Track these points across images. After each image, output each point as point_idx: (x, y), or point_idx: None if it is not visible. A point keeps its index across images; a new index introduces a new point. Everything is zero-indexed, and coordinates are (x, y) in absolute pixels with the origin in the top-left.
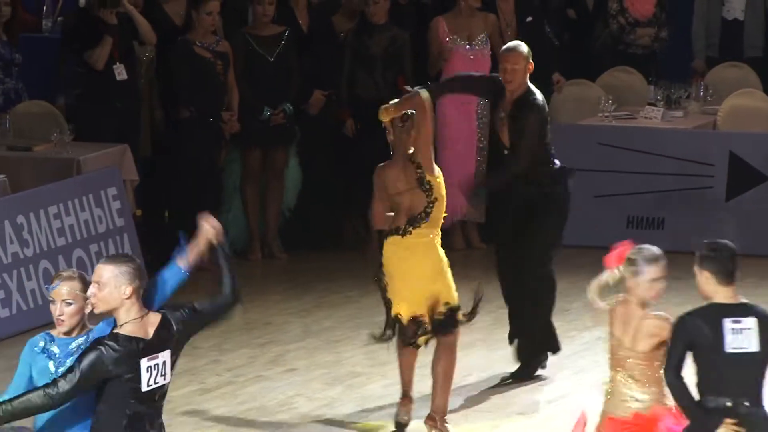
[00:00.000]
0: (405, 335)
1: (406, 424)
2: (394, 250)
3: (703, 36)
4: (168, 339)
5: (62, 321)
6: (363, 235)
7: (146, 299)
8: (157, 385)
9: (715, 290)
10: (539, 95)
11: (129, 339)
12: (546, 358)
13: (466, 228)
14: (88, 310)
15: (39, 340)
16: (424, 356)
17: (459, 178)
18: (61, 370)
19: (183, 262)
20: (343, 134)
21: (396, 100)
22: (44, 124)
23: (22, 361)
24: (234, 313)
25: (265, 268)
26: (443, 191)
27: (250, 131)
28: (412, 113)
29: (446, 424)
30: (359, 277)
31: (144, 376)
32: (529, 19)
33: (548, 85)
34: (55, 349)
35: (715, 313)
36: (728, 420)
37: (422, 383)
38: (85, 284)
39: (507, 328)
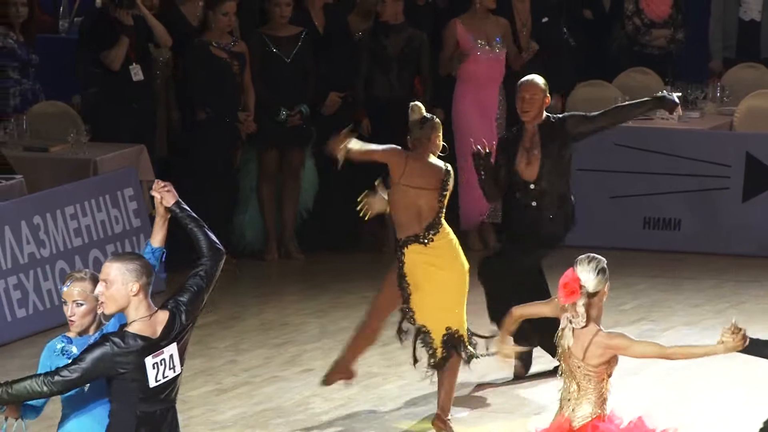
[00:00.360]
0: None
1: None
2: (419, 259)
3: (720, 37)
4: (173, 333)
5: (74, 321)
6: (378, 236)
7: None
8: (166, 379)
9: None
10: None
11: (135, 337)
12: None
13: (483, 229)
14: (100, 311)
15: (57, 343)
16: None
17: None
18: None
19: (155, 240)
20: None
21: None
22: (61, 124)
23: (42, 365)
24: (222, 265)
25: (282, 268)
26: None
27: (267, 132)
28: (432, 117)
29: (450, 424)
30: (375, 277)
31: (150, 373)
32: (545, 19)
33: (564, 86)
34: (74, 349)
35: None
36: None
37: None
38: (97, 285)
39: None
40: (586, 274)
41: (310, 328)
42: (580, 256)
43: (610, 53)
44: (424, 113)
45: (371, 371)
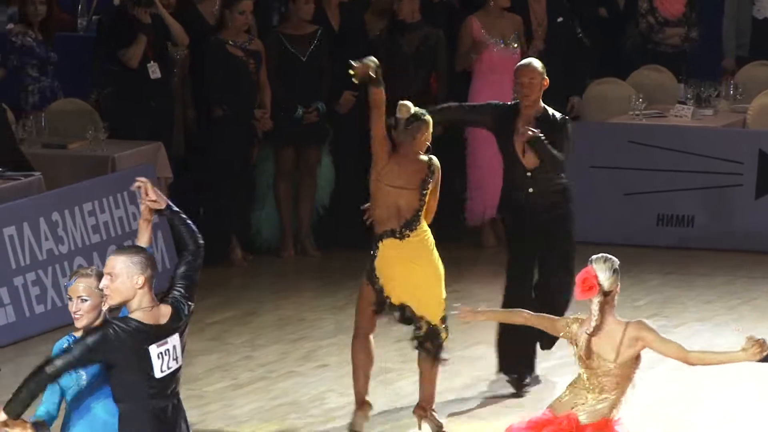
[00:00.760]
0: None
1: None
2: (393, 254)
3: (733, 35)
4: (177, 324)
5: (78, 317)
6: None
7: None
8: (170, 370)
9: None
10: (557, 113)
11: (139, 324)
12: None
13: (497, 225)
14: (105, 307)
15: (64, 342)
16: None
17: (493, 179)
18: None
19: (141, 242)
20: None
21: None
22: (79, 122)
23: None
24: (203, 255)
25: (298, 265)
26: (426, 205)
27: (283, 130)
28: (420, 117)
29: (434, 413)
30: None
31: (156, 362)
32: (560, 19)
33: (578, 84)
34: None
35: None
36: None
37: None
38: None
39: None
40: (603, 272)
41: (325, 324)
42: (595, 256)
43: (624, 51)
44: (413, 112)
45: (386, 367)
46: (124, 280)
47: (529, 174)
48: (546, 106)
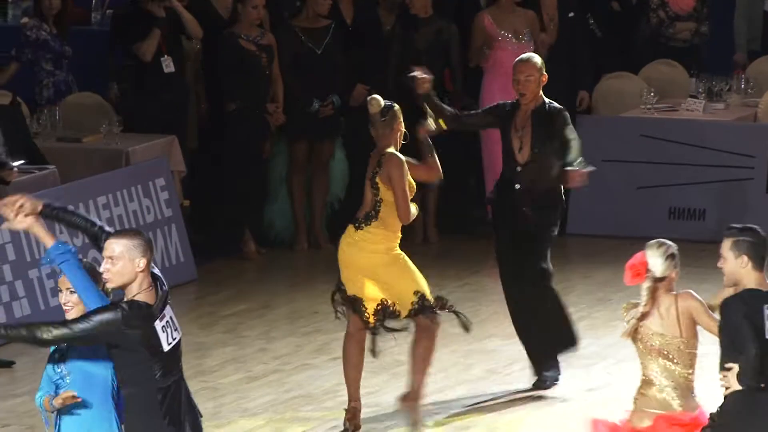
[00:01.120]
0: (358, 312)
1: None
2: (346, 241)
3: (745, 30)
4: (164, 297)
5: (68, 309)
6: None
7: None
8: (175, 341)
9: (748, 275)
10: (555, 104)
11: (141, 304)
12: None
13: None
14: (108, 287)
15: None
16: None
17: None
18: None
19: (49, 242)
20: None
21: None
22: (94, 115)
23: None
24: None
25: (311, 258)
26: (392, 200)
27: (297, 123)
28: (392, 106)
29: (418, 405)
30: None
31: (162, 336)
32: (572, 14)
33: (588, 79)
34: None
35: (755, 300)
36: None
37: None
38: (90, 273)
39: None
40: (655, 258)
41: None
42: (651, 241)
43: (636, 45)
44: (383, 104)
45: (399, 359)
46: (126, 263)
47: (519, 169)
48: (545, 99)
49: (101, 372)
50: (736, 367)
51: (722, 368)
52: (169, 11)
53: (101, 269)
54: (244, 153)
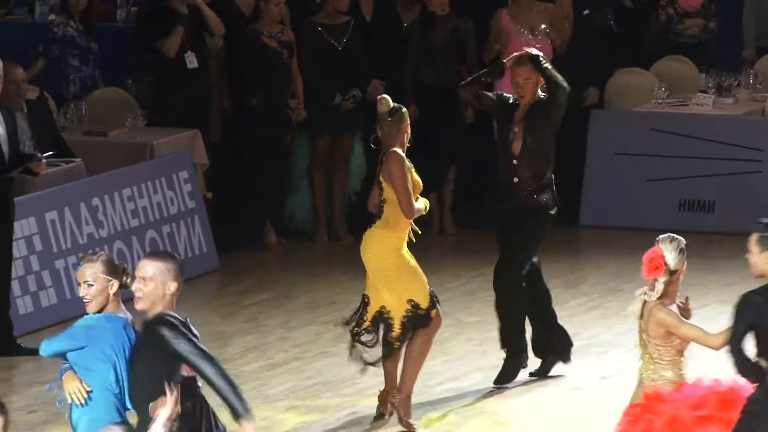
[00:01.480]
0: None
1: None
2: (364, 239)
3: (753, 26)
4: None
5: (87, 302)
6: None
7: None
8: None
9: None
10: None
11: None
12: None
13: None
14: (112, 291)
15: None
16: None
17: None
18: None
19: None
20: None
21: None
22: (119, 110)
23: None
24: None
25: (331, 249)
26: (396, 198)
27: (319, 118)
28: (400, 107)
29: (406, 401)
30: (420, 257)
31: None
32: (587, 11)
33: (598, 75)
34: None
35: None
36: None
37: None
38: (108, 266)
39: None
40: (669, 252)
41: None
42: (662, 236)
43: (646, 42)
44: (392, 105)
45: None
46: (157, 285)
47: (515, 162)
48: (541, 95)
49: (100, 368)
50: None
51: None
52: (191, 8)
53: (133, 288)
54: (265, 147)
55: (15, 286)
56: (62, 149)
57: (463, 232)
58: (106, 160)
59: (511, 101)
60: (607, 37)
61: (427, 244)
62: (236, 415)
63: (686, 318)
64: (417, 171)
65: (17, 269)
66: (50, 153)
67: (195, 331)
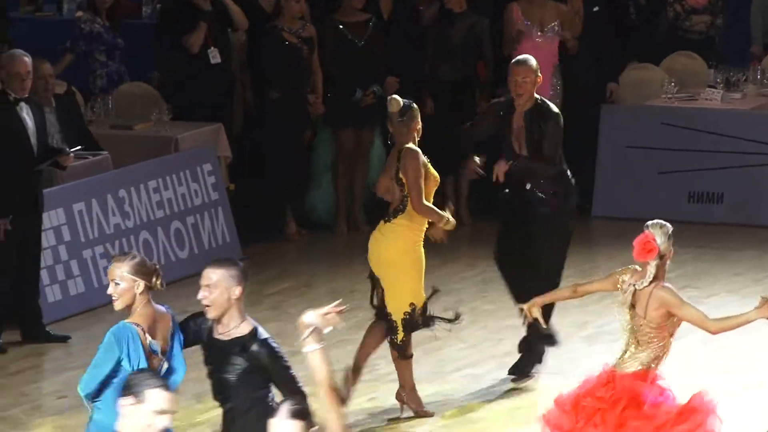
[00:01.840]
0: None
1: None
2: (376, 235)
3: (761, 23)
4: None
5: (114, 300)
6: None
7: None
8: None
9: None
10: (552, 105)
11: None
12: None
13: None
14: (138, 291)
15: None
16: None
17: None
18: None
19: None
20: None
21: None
22: (144, 104)
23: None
24: None
25: (350, 239)
26: (429, 191)
27: (342, 113)
28: (411, 107)
29: (412, 394)
30: (435, 247)
31: None
32: (596, 8)
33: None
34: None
35: None
36: None
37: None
38: (134, 267)
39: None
40: (660, 237)
41: None
42: (650, 222)
43: (656, 38)
44: (402, 104)
45: (433, 335)
46: (222, 291)
47: (517, 164)
48: (543, 100)
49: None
50: None
51: None
52: (214, 5)
53: (199, 296)
54: (284, 140)
55: (44, 275)
56: (89, 142)
57: (478, 223)
58: (132, 153)
59: (502, 107)
60: (629, 30)
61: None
62: None
63: None
64: (432, 162)
65: (46, 259)
66: (78, 147)
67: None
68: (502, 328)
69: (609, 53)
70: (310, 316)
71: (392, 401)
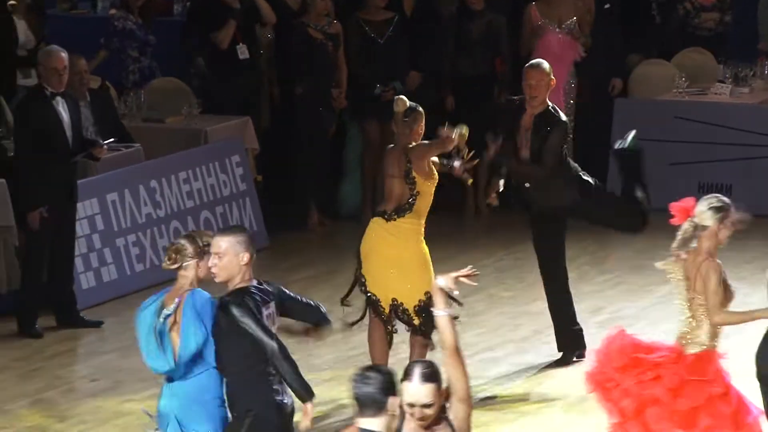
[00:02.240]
0: (377, 314)
1: None
2: (377, 231)
3: None
4: (270, 293)
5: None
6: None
7: None
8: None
9: None
10: (561, 113)
11: (250, 289)
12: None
13: None
14: (201, 274)
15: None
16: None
17: None
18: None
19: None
20: (443, 109)
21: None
22: (175, 98)
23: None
24: None
25: None
26: (431, 189)
27: (367, 106)
28: (416, 108)
29: None
30: (455, 237)
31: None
32: (607, 6)
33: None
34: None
35: None
36: None
37: (501, 330)
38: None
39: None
40: (701, 204)
41: None
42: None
43: (666, 34)
44: (408, 105)
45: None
46: (231, 258)
47: (514, 164)
48: (554, 107)
49: None
50: None
51: None
52: (243, 2)
53: (210, 264)
54: (309, 134)
55: (78, 262)
56: (122, 135)
57: (497, 214)
58: (163, 145)
59: (514, 107)
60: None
61: (463, 224)
62: (299, 397)
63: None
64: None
65: (80, 247)
66: (111, 140)
67: (272, 289)
68: (519, 314)
69: (617, 50)
70: (442, 280)
71: None
